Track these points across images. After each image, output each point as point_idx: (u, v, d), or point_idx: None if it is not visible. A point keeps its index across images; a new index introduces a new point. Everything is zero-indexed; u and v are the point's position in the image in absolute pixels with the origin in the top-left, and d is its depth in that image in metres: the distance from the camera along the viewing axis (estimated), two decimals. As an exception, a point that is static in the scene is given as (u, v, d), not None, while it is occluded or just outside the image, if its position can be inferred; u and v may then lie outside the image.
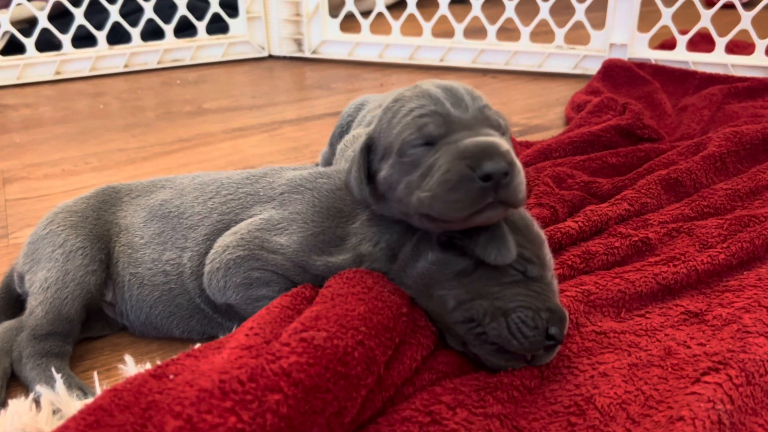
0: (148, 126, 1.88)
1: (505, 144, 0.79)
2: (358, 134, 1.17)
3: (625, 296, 1.00)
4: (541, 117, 1.88)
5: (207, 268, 0.93)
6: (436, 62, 2.29)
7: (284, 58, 2.46)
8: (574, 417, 0.79)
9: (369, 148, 0.88)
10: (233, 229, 0.95)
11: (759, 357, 0.85)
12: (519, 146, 1.56)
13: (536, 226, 0.89)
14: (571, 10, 2.17)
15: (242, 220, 0.98)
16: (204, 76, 2.31)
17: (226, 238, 0.94)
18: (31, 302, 0.95)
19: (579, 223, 1.16)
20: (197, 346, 0.80)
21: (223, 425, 0.61)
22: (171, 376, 0.69)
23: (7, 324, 0.96)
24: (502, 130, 0.85)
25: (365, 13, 2.35)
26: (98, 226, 1.01)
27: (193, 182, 1.05)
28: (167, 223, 1.01)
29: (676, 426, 0.75)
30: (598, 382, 0.85)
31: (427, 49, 2.30)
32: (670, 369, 0.87)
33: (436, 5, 2.25)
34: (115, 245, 1.01)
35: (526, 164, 1.44)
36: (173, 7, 2.31)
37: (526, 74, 2.25)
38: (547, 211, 1.24)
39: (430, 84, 0.86)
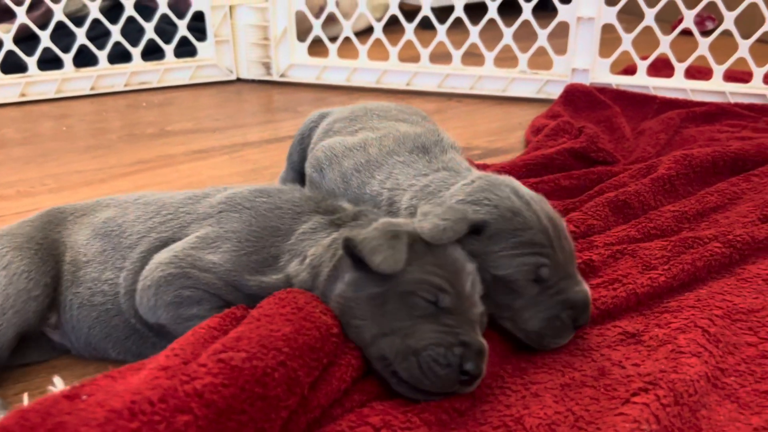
0: (109, 148, 1.88)
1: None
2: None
3: (564, 319, 1.00)
4: (502, 140, 1.89)
5: (139, 285, 0.92)
6: (402, 86, 2.31)
7: (252, 81, 2.47)
8: (501, 438, 0.79)
9: (477, 230, 0.91)
10: (169, 247, 0.95)
11: (689, 377, 0.86)
12: (475, 167, 1.57)
13: (457, 253, 0.87)
14: (534, 36, 2.20)
15: (180, 239, 0.97)
16: (170, 98, 2.31)
17: (160, 256, 0.93)
18: None
19: (524, 244, 1.16)
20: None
21: (126, 447, 0.60)
22: (84, 397, 0.68)
23: None
24: None
25: (333, 39, 2.37)
26: (44, 247, 0.99)
27: (137, 201, 1.05)
28: (109, 242, 1.00)
29: (601, 447, 0.74)
30: (529, 402, 0.85)
31: (393, 73, 2.32)
32: (602, 389, 0.87)
33: (403, 31, 2.28)
34: (61, 265, 1.00)
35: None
36: (141, 31, 2.32)
37: (490, 98, 2.27)
38: (496, 232, 1.24)
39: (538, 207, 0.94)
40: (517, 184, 0.97)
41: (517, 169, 1.49)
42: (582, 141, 1.58)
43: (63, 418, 0.64)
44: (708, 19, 2.87)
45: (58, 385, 0.87)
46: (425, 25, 2.31)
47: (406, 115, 1.25)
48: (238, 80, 2.48)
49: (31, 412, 0.64)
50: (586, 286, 0.92)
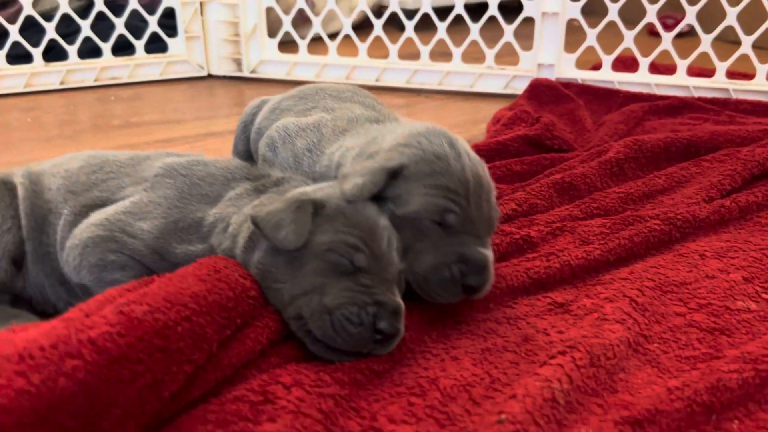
0: (73, 138, 1.88)
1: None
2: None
3: (496, 290, 1.00)
4: (465, 132, 1.90)
5: (68, 243, 0.92)
6: (372, 82, 2.32)
7: (223, 77, 2.48)
8: (414, 397, 0.79)
9: (395, 174, 0.90)
10: (102, 209, 0.94)
11: (609, 342, 0.85)
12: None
13: (370, 211, 0.86)
14: (500, 33, 2.21)
15: (118, 200, 0.97)
16: (140, 93, 2.32)
17: (93, 216, 0.93)
18: None
19: (463, 221, 1.16)
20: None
21: (8, 387, 0.59)
22: (-21, 347, 0.67)
23: None
24: None
25: (304, 37, 2.38)
26: None
27: (83, 154, 1.05)
28: (53, 182, 0.99)
29: (509, 404, 0.74)
30: (447, 365, 0.84)
31: (363, 69, 2.33)
32: (523, 354, 0.87)
33: (371, 28, 2.29)
34: (16, 201, 0.99)
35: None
36: (113, 28, 2.33)
37: (458, 94, 2.28)
38: (441, 212, 1.24)
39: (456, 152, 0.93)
40: (459, 140, 0.95)
41: (470, 154, 1.49)
42: (537, 129, 1.59)
43: (-51, 363, 0.63)
44: (671, 19, 2.88)
45: None
46: (398, 25, 2.33)
47: (360, 98, 1.24)
48: (210, 76, 2.49)
49: None
50: (490, 253, 0.90)
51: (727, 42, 2.11)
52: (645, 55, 2.09)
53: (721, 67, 2.02)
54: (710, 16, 2.07)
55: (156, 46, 2.41)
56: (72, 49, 2.30)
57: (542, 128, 1.58)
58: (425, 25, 2.30)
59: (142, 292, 0.76)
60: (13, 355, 0.63)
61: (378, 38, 2.30)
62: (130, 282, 0.87)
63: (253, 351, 0.81)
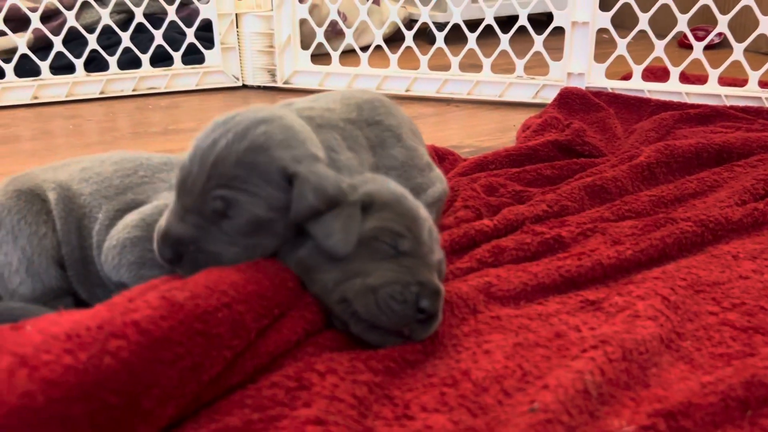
0: (112, 144, 1.93)
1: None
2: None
3: (527, 287, 1.01)
4: (494, 140, 1.91)
5: (106, 244, 0.94)
6: (402, 92, 2.35)
7: (258, 87, 2.53)
8: (446, 387, 0.80)
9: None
10: (139, 209, 0.97)
11: (641, 337, 0.86)
12: (461, 160, 1.59)
13: (409, 201, 0.90)
14: (529, 44, 2.22)
15: (152, 203, 0.99)
16: (177, 102, 2.37)
17: (129, 217, 0.96)
18: None
19: (494, 221, 1.17)
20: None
21: (56, 362, 0.62)
22: (28, 327, 0.70)
23: None
24: None
25: (336, 50, 2.43)
26: (26, 195, 0.99)
27: (114, 157, 1.06)
28: (87, 187, 1.01)
29: (541, 394, 0.75)
30: (479, 358, 0.85)
31: (393, 79, 2.36)
32: (555, 349, 0.88)
33: (401, 41, 2.33)
34: (48, 204, 0.99)
35: (461, 174, 1.46)
36: (152, 40, 2.40)
37: (488, 103, 2.29)
38: (472, 213, 1.25)
39: None
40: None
41: (500, 159, 1.50)
42: (568, 134, 1.59)
43: (2, 342, 0.66)
44: (702, 31, 2.86)
45: None
46: (431, 40, 2.37)
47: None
48: (244, 86, 2.54)
49: (-27, 336, 0.67)
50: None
51: (759, 53, 2.10)
52: (675, 65, 2.08)
53: (754, 76, 2.01)
54: (742, 27, 2.07)
55: (192, 57, 2.47)
56: (112, 60, 2.37)
57: (573, 134, 1.59)
58: (455, 38, 2.32)
59: (184, 281, 0.79)
60: (61, 334, 0.66)
61: (408, 50, 2.33)
62: (168, 277, 0.90)
63: (289, 341, 0.83)
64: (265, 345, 0.81)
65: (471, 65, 2.35)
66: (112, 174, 1.02)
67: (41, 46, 2.39)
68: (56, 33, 2.33)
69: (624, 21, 2.13)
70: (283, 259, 0.89)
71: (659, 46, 2.06)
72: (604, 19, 2.08)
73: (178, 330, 0.70)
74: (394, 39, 2.46)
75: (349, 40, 2.40)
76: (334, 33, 2.73)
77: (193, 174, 0.85)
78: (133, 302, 0.73)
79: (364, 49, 2.41)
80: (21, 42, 2.27)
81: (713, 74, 2.03)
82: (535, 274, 1.02)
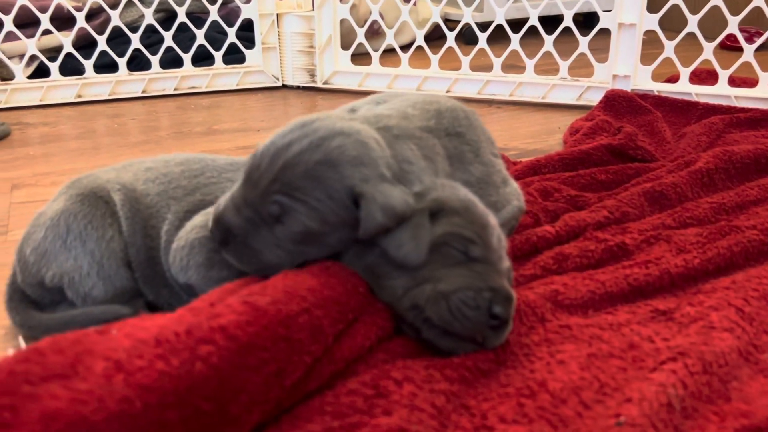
0: (158, 143, 1.95)
1: None
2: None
3: (594, 296, 1.00)
4: (540, 142, 1.89)
5: (174, 245, 0.94)
6: (442, 93, 2.33)
7: (297, 87, 2.54)
8: (524, 398, 0.78)
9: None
10: (206, 210, 0.97)
11: (720, 349, 0.84)
12: (511, 163, 1.57)
13: (479, 208, 0.89)
14: (572, 45, 2.20)
15: None
16: (218, 102, 2.38)
17: (197, 218, 0.96)
18: None
19: (556, 227, 1.16)
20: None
21: (149, 368, 0.62)
22: (114, 332, 0.71)
23: None
24: None
25: (376, 50, 2.42)
26: (90, 199, 0.99)
27: (177, 158, 1.06)
28: (153, 188, 1.01)
29: (624, 407, 0.73)
30: (553, 368, 0.84)
31: (434, 80, 2.35)
32: (630, 360, 0.86)
33: (438, 40, 2.32)
34: (114, 207, 1.00)
35: (514, 178, 1.44)
36: (193, 39, 2.41)
37: (530, 105, 2.28)
38: (530, 218, 1.24)
39: None
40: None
41: (553, 163, 1.49)
42: (620, 138, 1.57)
43: (91, 346, 0.66)
44: (756, 35, 2.82)
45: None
46: (469, 41, 2.35)
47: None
48: (284, 86, 2.54)
49: (62, 339, 0.67)
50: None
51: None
52: (724, 68, 2.04)
53: (807, 79, 1.97)
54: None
55: (233, 57, 2.48)
56: (155, 60, 2.39)
57: (626, 138, 1.57)
58: (494, 38, 2.31)
59: (262, 285, 0.78)
60: (150, 339, 0.66)
61: (449, 50, 2.32)
62: (236, 279, 0.90)
63: (362, 346, 0.83)
64: (341, 351, 0.80)
65: (510, 66, 2.33)
66: (179, 175, 1.02)
67: (83, 44, 2.41)
68: (98, 31, 2.35)
69: (670, 22, 2.09)
70: (350, 265, 0.89)
71: (708, 49, 2.02)
72: (652, 21, 2.05)
73: (263, 335, 0.70)
74: (428, 39, 2.44)
75: (389, 40, 2.39)
76: (370, 32, 2.73)
77: (261, 169, 0.85)
78: (215, 307, 0.73)
79: (401, 48, 2.40)
80: (67, 41, 2.29)
81: (764, 77, 1.99)
82: (602, 283, 1.00)
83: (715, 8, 2.00)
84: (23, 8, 2.24)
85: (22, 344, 0.90)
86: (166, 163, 1.05)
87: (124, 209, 0.99)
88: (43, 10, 2.27)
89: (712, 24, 2.06)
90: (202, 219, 0.95)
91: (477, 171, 1.06)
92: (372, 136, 0.90)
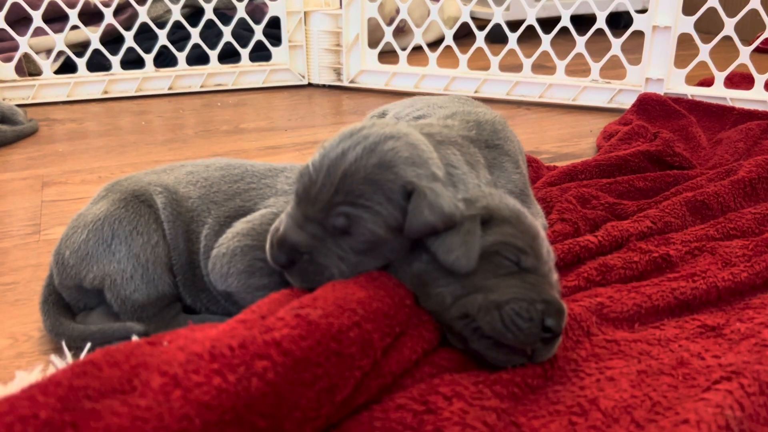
0: (185, 142, 1.94)
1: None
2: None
3: (641, 310, 0.98)
4: (572, 146, 1.87)
5: (214, 252, 0.94)
6: (470, 93, 2.31)
7: (323, 86, 2.52)
8: (575, 417, 0.77)
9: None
10: (247, 218, 0.96)
11: (776, 369, 0.82)
12: (545, 168, 1.55)
13: (529, 218, 0.88)
14: (605, 50, 2.17)
15: (258, 209, 0.99)
16: (244, 100, 2.38)
17: (237, 226, 0.95)
18: None
19: (599, 237, 1.14)
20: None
21: (207, 384, 0.61)
22: (165, 343, 0.70)
23: None
24: None
25: (404, 49, 2.40)
26: (133, 203, 0.98)
27: (217, 162, 1.06)
28: (194, 191, 1.01)
29: (680, 429, 0.72)
30: (604, 385, 0.82)
31: (462, 80, 2.33)
32: (681, 378, 0.84)
33: (471, 44, 2.29)
34: (158, 211, 0.99)
35: (550, 184, 1.43)
36: (219, 35, 2.40)
37: (560, 107, 2.25)
38: (570, 227, 1.22)
39: None
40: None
41: (590, 169, 1.46)
42: (658, 144, 1.55)
43: (145, 359, 0.66)
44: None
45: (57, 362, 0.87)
46: (495, 39, 2.33)
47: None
48: (310, 85, 2.53)
49: (116, 352, 0.66)
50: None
51: None
52: (759, 72, 2.01)
53: None
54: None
55: (259, 54, 2.47)
56: (181, 56, 2.38)
57: (663, 144, 1.54)
58: (523, 37, 2.28)
59: (312, 297, 0.77)
60: (204, 354, 0.65)
61: (478, 50, 2.30)
62: (276, 288, 0.89)
63: (409, 360, 0.81)
64: (388, 365, 0.79)
65: (538, 66, 2.31)
66: (219, 179, 1.02)
67: (108, 40, 2.41)
68: (125, 26, 2.34)
69: (704, 25, 2.06)
70: (396, 273, 0.88)
71: (744, 52, 1.99)
72: (687, 24, 2.02)
73: (316, 350, 0.69)
74: (459, 38, 2.41)
75: (418, 39, 2.38)
76: (396, 31, 2.71)
77: (318, 184, 0.84)
78: (267, 319, 0.72)
79: (427, 46, 2.38)
80: (94, 37, 2.29)
81: (800, 83, 1.96)
82: (648, 296, 0.98)
83: (753, 11, 1.96)
84: (52, 3, 2.24)
85: (65, 349, 0.89)
86: (206, 167, 1.05)
87: (166, 212, 0.99)
88: (71, 6, 2.27)
89: (748, 27, 2.02)
90: (244, 226, 0.95)
91: (519, 182, 1.05)
92: (420, 138, 0.89)
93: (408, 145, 0.86)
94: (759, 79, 2.00)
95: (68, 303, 1.02)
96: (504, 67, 2.31)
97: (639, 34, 2.12)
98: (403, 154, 0.85)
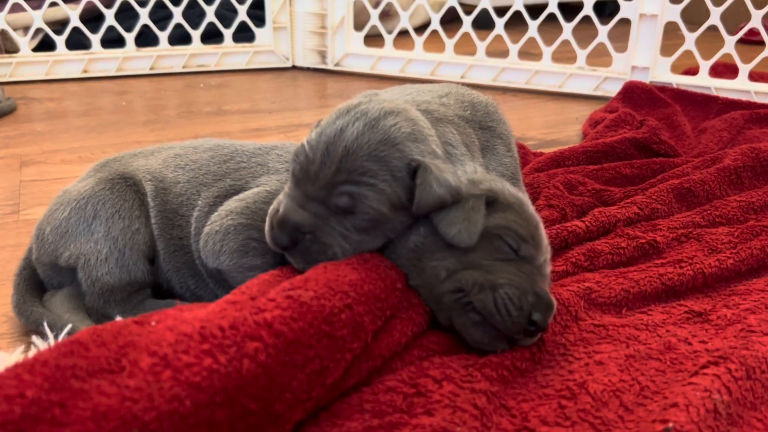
0: (167, 123, 1.91)
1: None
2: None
3: (628, 295, 0.98)
4: (558, 133, 1.87)
5: (206, 230, 0.92)
6: (456, 79, 2.30)
7: (307, 69, 2.50)
8: (565, 400, 0.77)
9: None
10: (240, 196, 0.95)
11: (762, 354, 0.82)
12: (532, 154, 1.55)
13: (531, 207, 0.87)
14: (591, 37, 2.17)
15: (250, 188, 0.97)
16: (227, 81, 2.35)
17: (231, 204, 0.93)
18: None
19: (586, 223, 1.14)
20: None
21: (198, 365, 0.60)
22: (153, 323, 0.68)
23: None
24: None
25: (390, 32, 2.38)
26: (119, 186, 0.97)
27: (206, 144, 1.05)
28: (183, 175, 0.99)
29: (669, 412, 0.72)
30: (592, 369, 0.83)
31: (448, 65, 2.32)
32: (668, 362, 0.85)
33: (458, 29, 2.28)
34: (144, 197, 0.98)
35: (537, 170, 1.43)
36: (202, 15, 2.37)
37: (546, 94, 2.25)
38: (557, 213, 1.22)
39: None
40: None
41: (576, 156, 1.47)
42: (644, 132, 1.55)
43: (133, 339, 0.64)
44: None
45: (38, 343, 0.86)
46: (482, 25, 2.32)
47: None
48: (294, 67, 2.51)
49: (102, 331, 0.65)
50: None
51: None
52: (744, 60, 2.02)
53: (827, 76, 1.95)
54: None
55: (243, 35, 2.44)
56: (163, 36, 2.34)
57: (650, 132, 1.55)
58: (514, 25, 2.28)
59: (303, 278, 0.76)
60: (194, 334, 0.64)
61: (464, 35, 2.29)
62: (270, 270, 0.88)
63: (399, 343, 0.81)
64: (378, 347, 0.78)
65: (524, 53, 2.30)
66: (208, 160, 1.00)
67: (88, 18, 2.36)
68: (106, 4, 2.30)
69: (690, 14, 2.06)
70: (392, 249, 0.87)
71: (730, 42, 2.00)
72: (674, 12, 2.02)
73: (308, 332, 0.68)
74: (446, 22, 2.40)
75: (404, 23, 2.36)
76: (381, 14, 2.68)
77: (317, 162, 0.82)
78: (257, 300, 0.71)
79: (414, 30, 2.37)
80: (74, 14, 2.24)
81: (784, 73, 1.98)
82: (636, 282, 0.99)
83: (738, 1, 1.97)
84: (30, -21, 2.19)
85: (47, 330, 0.87)
86: (194, 149, 1.03)
87: (155, 201, 0.98)
88: (51, -18, 2.22)
89: (733, 17, 2.03)
90: (238, 204, 0.93)
91: (510, 165, 1.04)
92: (419, 115, 0.88)
93: (409, 121, 0.85)
94: (743, 69, 2.02)
95: (41, 280, 1.00)
96: (490, 53, 2.30)
97: (626, 22, 2.12)
98: (405, 129, 0.83)
